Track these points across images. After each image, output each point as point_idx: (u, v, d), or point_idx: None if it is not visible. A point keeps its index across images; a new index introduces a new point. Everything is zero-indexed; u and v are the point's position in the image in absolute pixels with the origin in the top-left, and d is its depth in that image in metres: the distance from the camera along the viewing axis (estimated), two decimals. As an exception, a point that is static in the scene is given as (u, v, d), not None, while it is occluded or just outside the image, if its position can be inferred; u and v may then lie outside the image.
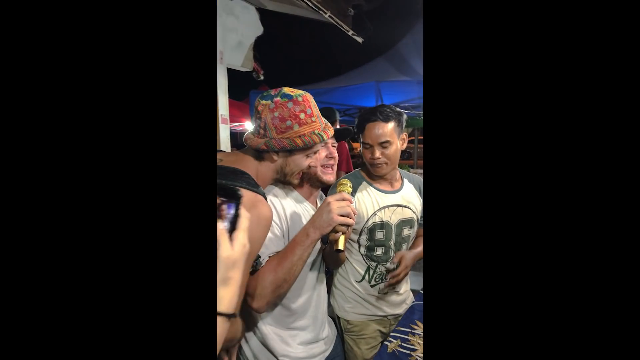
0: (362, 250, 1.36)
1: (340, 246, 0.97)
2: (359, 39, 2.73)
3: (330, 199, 0.96)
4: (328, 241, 1.03)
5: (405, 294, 1.47)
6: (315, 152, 1.01)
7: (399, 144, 1.30)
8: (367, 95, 4.22)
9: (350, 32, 2.56)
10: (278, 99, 0.91)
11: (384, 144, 1.26)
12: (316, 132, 0.94)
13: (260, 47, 2.62)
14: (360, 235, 1.34)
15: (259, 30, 2.59)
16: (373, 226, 1.33)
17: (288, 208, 1.07)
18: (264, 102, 0.92)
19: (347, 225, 0.96)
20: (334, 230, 0.95)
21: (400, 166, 1.46)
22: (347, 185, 1.05)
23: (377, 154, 1.26)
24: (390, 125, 1.26)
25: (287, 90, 0.94)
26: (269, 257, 0.97)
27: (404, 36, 4.92)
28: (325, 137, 0.95)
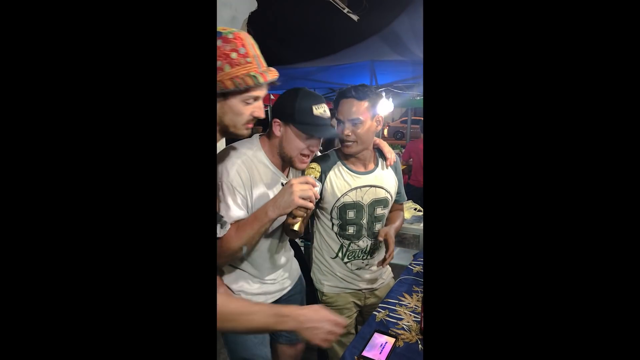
0: (335, 228, 1.40)
1: (296, 227, 1.03)
2: (354, 17, 2.71)
3: (294, 181, 0.98)
4: (285, 222, 1.07)
5: (379, 272, 1.50)
6: (255, 99, 0.91)
7: (372, 124, 1.30)
8: (361, 74, 4.20)
9: (346, 10, 2.54)
10: None
11: (354, 121, 1.26)
12: (252, 73, 0.86)
13: (254, 23, 2.59)
14: (331, 214, 1.38)
15: (253, 5, 2.56)
16: (343, 206, 1.36)
17: (256, 177, 1.10)
18: None
19: (306, 209, 1.01)
20: (292, 214, 1.01)
21: (393, 146, 1.49)
22: (316, 169, 1.11)
23: (347, 131, 1.27)
24: (365, 104, 1.26)
25: (218, 28, 0.85)
26: (230, 224, 1.03)
27: (399, 15, 4.85)
28: (261, 79, 0.87)
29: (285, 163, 1.17)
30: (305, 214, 1.03)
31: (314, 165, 1.11)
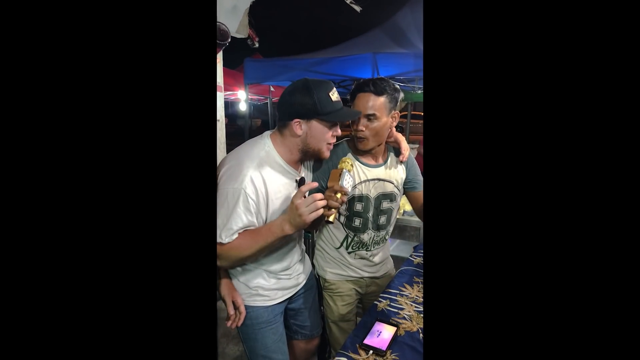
0: (342, 219, 1.41)
1: (331, 219, 1.04)
2: (357, 8, 2.69)
3: (296, 201, 0.98)
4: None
5: (381, 261, 1.53)
6: None
7: (388, 120, 1.28)
8: (363, 66, 4.17)
9: (349, 1, 2.52)
10: None
11: (370, 117, 1.23)
12: None
13: (255, 13, 2.57)
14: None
15: (255, -6, 2.53)
16: (352, 198, 1.36)
17: (270, 184, 1.08)
18: None
19: (340, 202, 1.02)
20: (327, 206, 1.01)
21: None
22: (349, 162, 1.11)
23: (361, 126, 1.25)
24: (382, 99, 1.23)
25: None
26: (239, 232, 1.02)
27: (401, 7, 4.82)
28: None
29: (302, 159, 1.17)
30: (339, 205, 1.03)
31: (346, 159, 1.11)
